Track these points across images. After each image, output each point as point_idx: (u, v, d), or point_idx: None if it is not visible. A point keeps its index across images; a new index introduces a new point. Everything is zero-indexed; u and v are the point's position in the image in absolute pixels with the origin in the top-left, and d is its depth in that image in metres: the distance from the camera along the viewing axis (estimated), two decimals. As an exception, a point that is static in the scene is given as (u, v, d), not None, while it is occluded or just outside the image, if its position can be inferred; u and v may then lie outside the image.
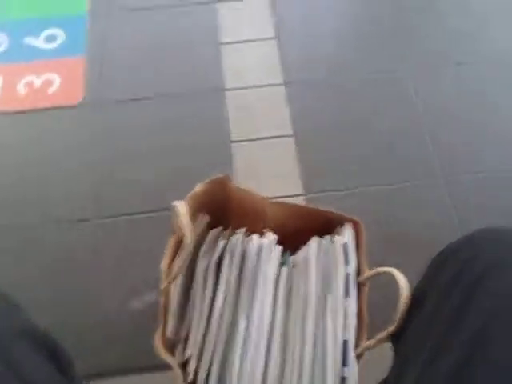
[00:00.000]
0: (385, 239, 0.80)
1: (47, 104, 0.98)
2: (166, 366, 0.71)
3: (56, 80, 1.01)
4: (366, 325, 0.44)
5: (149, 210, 0.86)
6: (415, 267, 0.39)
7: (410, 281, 0.37)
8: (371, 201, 0.86)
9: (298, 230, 0.53)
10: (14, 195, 0.89)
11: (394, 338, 0.37)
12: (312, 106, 0.98)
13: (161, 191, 0.88)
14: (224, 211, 0.59)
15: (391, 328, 0.35)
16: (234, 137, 0.95)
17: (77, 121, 0.97)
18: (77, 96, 0.99)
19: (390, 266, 0.44)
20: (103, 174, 0.90)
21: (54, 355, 0.35)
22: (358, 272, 0.47)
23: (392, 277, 0.38)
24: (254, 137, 0.95)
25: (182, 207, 0.42)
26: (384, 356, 0.41)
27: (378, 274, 0.42)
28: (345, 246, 0.47)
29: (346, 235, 0.48)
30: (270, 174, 0.90)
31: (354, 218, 0.49)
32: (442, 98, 0.99)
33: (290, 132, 0.95)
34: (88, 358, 0.70)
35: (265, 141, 0.94)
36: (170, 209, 0.47)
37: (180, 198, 0.49)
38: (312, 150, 0.93)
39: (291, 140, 0.94)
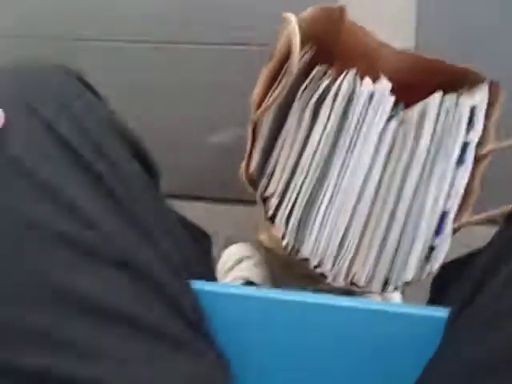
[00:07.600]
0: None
1: None
2: (236, 201, 0.74)
3: None
4: (472, 201, 0.40)
5: (236, 43, 0.79)
6: None
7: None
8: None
9: (415, 86, 0.45)
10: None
11: (508, 218, 0.32)
12: None
13: (252, 24, 0.79)
14: (330, 49, 0.51)
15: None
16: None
17: None
18: None
19: None
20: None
21: (147, 165, 0.30)
22: (481, 142, 0.40)
23: None
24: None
25: (293, 17, 0.35)
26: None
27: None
28: (472, 110, 0.40)
29: (478, 97, 0.40)
30: (380, 20, 0.77)
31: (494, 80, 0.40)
32: None
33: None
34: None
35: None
36: (282, 22, 0.40)
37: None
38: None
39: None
